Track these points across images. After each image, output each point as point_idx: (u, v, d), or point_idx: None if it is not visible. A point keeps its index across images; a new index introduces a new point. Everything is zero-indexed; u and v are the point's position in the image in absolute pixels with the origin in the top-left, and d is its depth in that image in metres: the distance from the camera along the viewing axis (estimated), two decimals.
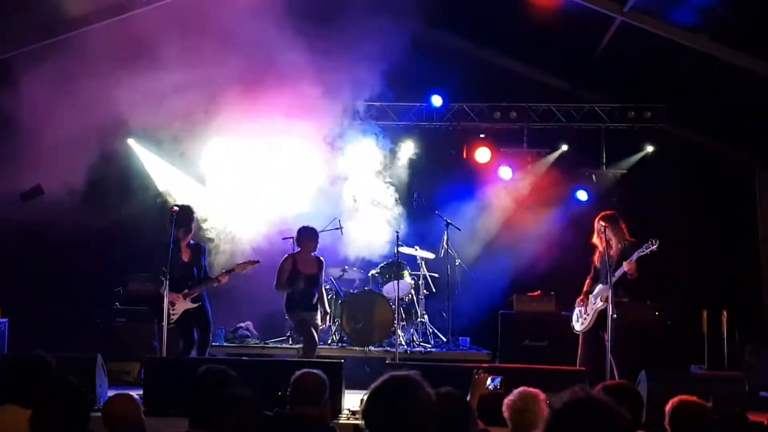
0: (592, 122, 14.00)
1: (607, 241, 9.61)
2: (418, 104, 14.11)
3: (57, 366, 5.70)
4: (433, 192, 13.77)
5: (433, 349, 12.38)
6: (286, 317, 11.22)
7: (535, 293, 12.56)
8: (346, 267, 12.77)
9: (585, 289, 10.02)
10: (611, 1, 11.47)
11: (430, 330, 12.86)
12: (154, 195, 13.19)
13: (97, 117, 11.46)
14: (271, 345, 12.55)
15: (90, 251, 12.73)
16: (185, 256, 10.09)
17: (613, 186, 14.01)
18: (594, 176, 14.05)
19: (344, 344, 12.29)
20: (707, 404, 5.21)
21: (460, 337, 12.99)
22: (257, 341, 12.74)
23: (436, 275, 13.19)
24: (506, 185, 14.05)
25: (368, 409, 3.35)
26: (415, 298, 12.90)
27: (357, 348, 12.14)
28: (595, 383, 5.59)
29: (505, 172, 13.96)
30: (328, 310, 11.11)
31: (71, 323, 11.88)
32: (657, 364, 9.89)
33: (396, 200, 13.57)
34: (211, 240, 12.45)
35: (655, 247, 9.11)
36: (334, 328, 12.49)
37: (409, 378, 3.36)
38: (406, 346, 12.12)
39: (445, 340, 12.74)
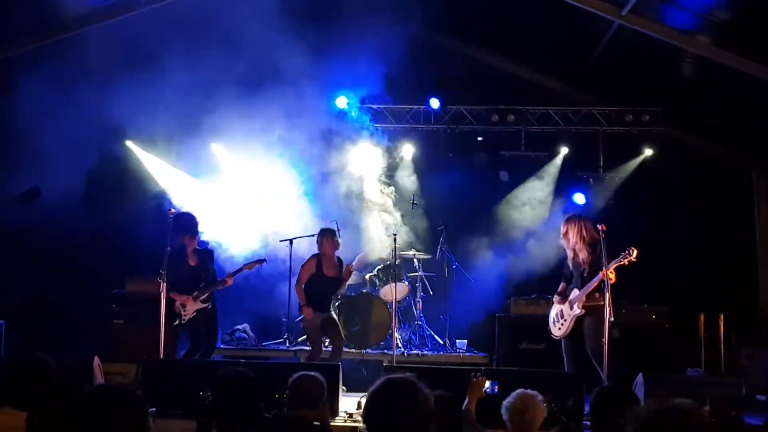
0: (590, 125, 14.01)
1: (577, 243, 9.64)
2: (416, 107, 14.13)
3: (56, 368, 5.69)
4: (430, 195, 13.79)
5: (430, 352, 12.37)
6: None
7: (532, 296, 12.56)
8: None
9: (560, 290, 10.00)
10: (609, 4, 11.48)
11: (427, 333, 12.85)
12: (151, 197, 13.19)
13: (95, 118, 11.47)
14: (268, 347, 12.53)
15: (88, 253, 12.70)
16: (192, 261, 10.25)
17: (611, 189, 14.01)
18: (591, 179, 14.05)
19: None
20: (705, 407, 5.21)
21: (457, 340, 12.97)
22: (254, 344, 12.72)
23: (434, 277, 13.18)
24: (503, 188, 14.06)
25: (368, 412, 3.36)
26: (412, 300, 12.90)
27: (354, 350, 12.12)
28: (589, 388, 5.61)
29: (503, 175, 14.01)
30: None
31: (68, 325, 11.87)
32: (654, 367, 9.90)
33: (393, 203, 13.58)
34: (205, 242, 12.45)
35: (632, 257, 9.08)
36: None
37: (408, 380, 3.39)
38: (403, 349, 12.12)
39: (442, 342, 12.73)
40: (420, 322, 12.86)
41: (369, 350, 12.17)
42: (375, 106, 13.93)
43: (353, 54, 11.64)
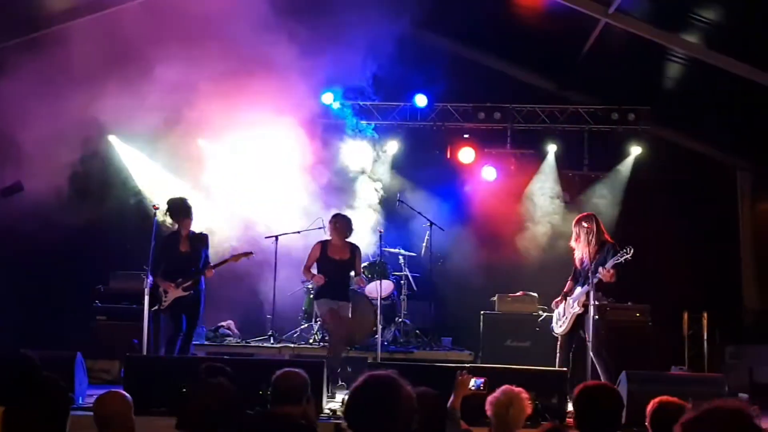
0: (575, 124, 14.04)
1: (587, 244, 9.66)
2: (402, 104, 14.12)
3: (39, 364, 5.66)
4: (416, 192, 13.79)
5: (415, 349, 12.36)
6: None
7: (518, 294, 12.58)
8: None
9: (565, 290, 10.03)
10: (596, 3, 11.51)
11: (413, 330, 12.84)
12: (134, 192, 13.13)
13: (78, 113, 11.40)
14: (252, 344, 12.49)
15: (70, 248, 12.64)
16: (184, 247, 10.13)
17: (596, 187, 14.03)
18: (577, 177, 14.09)
19: (326, 344, 12.23)
20: (687, 405, 5.22)
21: (442, 338, 12.98)
22: (238, 340, 12.68)
23: (419, 275, 13.18)
24: (489, 185, 14.06)
25: (350, 409, 3.36)
26: (397, 298, 12.89)
27: None
28: (576, 385, 5.61)
29: (488, 172, 13.99)
30: None
31: (51, 321, 11.81)
32: (637, 366, 9.93)
33: (379, 200, 13.57)
34: None
35: (629, 255, 9.12)
36: (316, 328, 12.46)
37: (389, 377, 3.37)
38: (388, 346, 12.10)
39: (427, 340, 12.72)
40: (405, 320, 12.84)
41: (354, 347, 12.14)
42: (361, 103, 13.92)
43: (340, 50, 11.61)
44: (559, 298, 9.96)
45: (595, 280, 9.38)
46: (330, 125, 13.83)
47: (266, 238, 12.50)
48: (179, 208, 10.14)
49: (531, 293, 12.49)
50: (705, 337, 12.44)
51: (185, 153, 12.63)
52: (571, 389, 6.20)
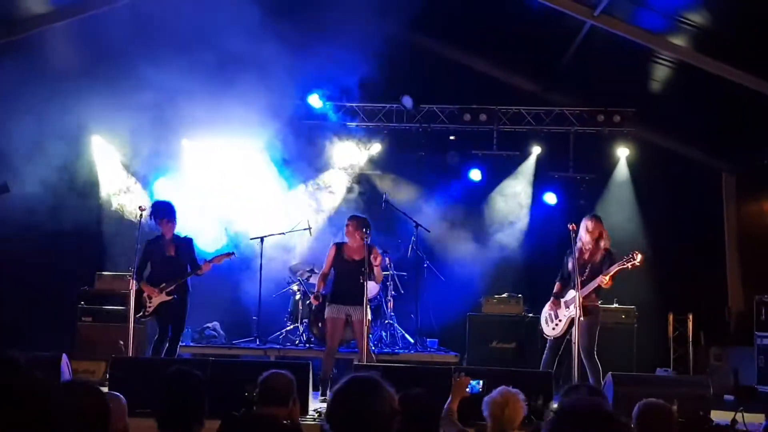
0: (561, 125, 14.07)
1: (591, 246, 9.66)
2: (388, 105, 14.11)
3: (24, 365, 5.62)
4: (402, 193, 13.79)
5: (401, 351, 12.36)
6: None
7: (503, 295, 12.59)
8: (314, 268, 12.68)
9: (555, 291, 10.01)
10: (581, 5, 11.53)
11: (398, 332, 12.84)
12: (117, 194, 13.08)
13: (61, 115, 11.38)
14: (238, 346, 12.47)
15: (55, 249, 12.58)
16: (170, 250, 10.15)
17: (581, 189, 14.06)
18: (562, 179, 14.11)
19: (312, 345, 12.24)
20: (673, 407, 5.24)
21: (428, 339, 12.98)
22: (224, 342, 12.66)
23: (405, 276, 13.17)
24: (476, 187, 14.08)
25: (331, 411, 3.36)
26: (383, 299, 12.87)
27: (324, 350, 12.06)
28: (562, 386, 5.63)
29: (474, 174, 14.01)
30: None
31: (36, 322, 11.75)
32: (623, 367, 9.96)
33: (364, 201, 13.57)
34: None
35: (636, 261, 9.16)
36: (301, 329, 12.46)
37: (371, 379, 3.38)
38: (374, 348, 12.08)
39: (413, 341, 12.72)
40: (391, 321, 12.84)
41: (340, 349, 12.11)
42: (347, 104, 13.91)
43: (326, 51, 11.60)
44: (553, 301, 9.93)
45: (594, 286, 9.39)
46: (315, 126, 13.83)
47: (251, 239, 12.49)
48: (164, 212, 10.14)
49: (516, 295, 12.52)
50: (690, 339, 12.49)
51: (169, 153, 12.59)
52: (557, 390, 6.23)
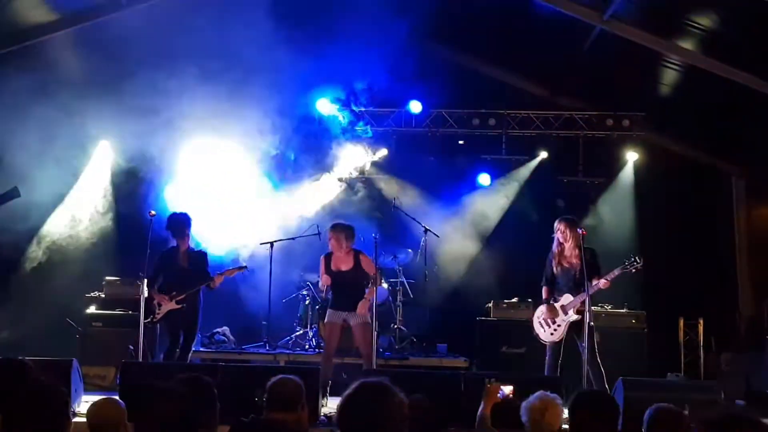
0: (570, 130, 14.04)
1: (575, 249, 9.65)
2: (397, 110, 14.11)
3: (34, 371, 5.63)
4: (411, 198, 13.78)
5: (410, 356, 12.34)
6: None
7: (513, 300, 12.57)
8: None
9: (545, 297, 9.97)
10: (591, 9, 11.52)
11: (408, 337, 12.82)
12: (133, 198, 13.07)
13: (69, 121, 11.42)
14: (247, 351, 12.47)
15: (66, 254, 12.62)
16: (183, 262, 10.21)
17: (590, 193, 14.04)
18: (571, 183, 14.09)
19: (321, 350, 12.20)
20: (684, 412, 5.23)
21: (438, 344, 12.95)
22: (234, 347, 12.66)
23: (414, 281, 13.16)
24: (485, 192, 14.07)
25: (342, 416, 3.35)
26: (392, 304, 12.86)
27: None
28: (570, 391, 5.62)
29: (483, 179, 14.00)
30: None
31: (47, 327, 11.77)
32: (633, 372, 9.92)
33: (374, 206, 13.56)
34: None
35: (640, 265, 9.16)
36: (311, 334, 12.45)
37: (381, 384, 3.37)
38: (383, 353, 12.07)
39: (422, 346, 12.70)
40: (400, 326, 12.82)
41: (349, 354, 12.10)
42: (356, 109, 13.91)
43: (336, 55, 11.61)
44: (547, 306, 9.89)
45: (596, 288, 9.38)
46: (325, 131, 13.83)
47: (261, 244, 12.49)
48: (180, 226, 10.20)
49: (526, 300, 12.48)
50: (701, 344, 12.44)
51: (177, 158, 12.58)
52: (565, 396, 6.21)
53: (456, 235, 13.75)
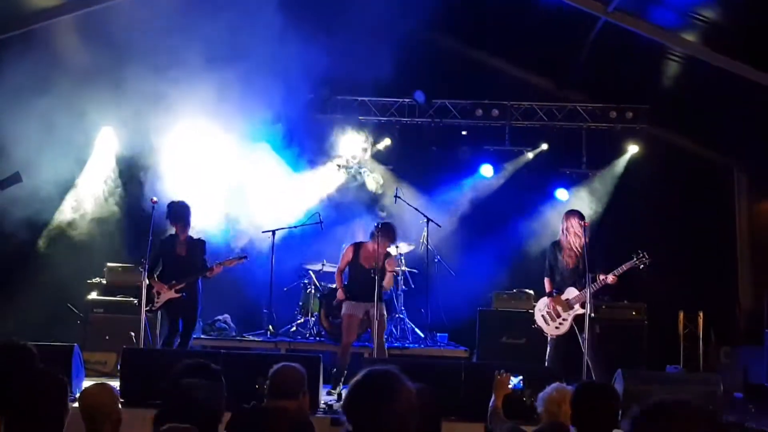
0: (574, 122, 14.02)
1: (579, 241, 9.65)
2: (400, 100, 14.09)
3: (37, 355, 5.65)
4: (413, 188, 13.78)
5: (411, 345, 12.37)
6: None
7: (513, 291, 12.58)
8: (325, 261, 12.69)
9: (548, 290, 9.98)
10: (595, 1, 11.49)
11: (408, 326, 12.84)
12: (135, 185, 13.07)
13: (72, 106, 11.40)
14: (248, 338, 12.50)
15: (68, 240, 12.63)
16: (182, 250, 10.23)
17: (593, 186, 14.03)
18: (574, 175, 14.08)
19: (322, 339, 12.24)
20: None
21: (438, 334, 12.97)
22: (235, 334, 12.68)
23: (415, 271, 13.17)
24: (487, 182, 14.07)
25: (349, 404, 3.32)
26: (393, 294, 12.87)
27: (334, 345, 12.07)
28: (571, 383, 5.64)
29: (486, 170, 14.00)
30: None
31: (48, 313, 11.79)
32: (633, 364, 9.94)
33: (376, 196, 13.56)
34: None
35: (648, 261, 9.19)
36: (312, 323, 12.47)
37: (390, 372, 3.35)
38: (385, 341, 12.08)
39: (422, 336, 12.72)
40: (401, 315, 12.84)
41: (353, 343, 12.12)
42: (359, 98, 13.90)
43: (340, 45, 11.58)
44: (552, 299, 9.90)
45: (603, 283, 9.39)
46: (327, 120, 13.82)
47: (263, 232, 12.51)
48: (179, 214, 10.20)
49: (527, 290, 12.49)
50: (700, 337, 12.45)
51: (178, 144, 12.54)
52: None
53: (457, 225, 13.76)
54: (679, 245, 13.29)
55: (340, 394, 9.37)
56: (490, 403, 5.99)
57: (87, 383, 8.63)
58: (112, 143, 13.15)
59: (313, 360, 8.65)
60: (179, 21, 11.08)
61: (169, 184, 12.36)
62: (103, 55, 11.53)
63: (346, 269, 10.62)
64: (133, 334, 10.54)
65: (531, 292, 12.42)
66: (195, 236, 10.48)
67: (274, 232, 12.41)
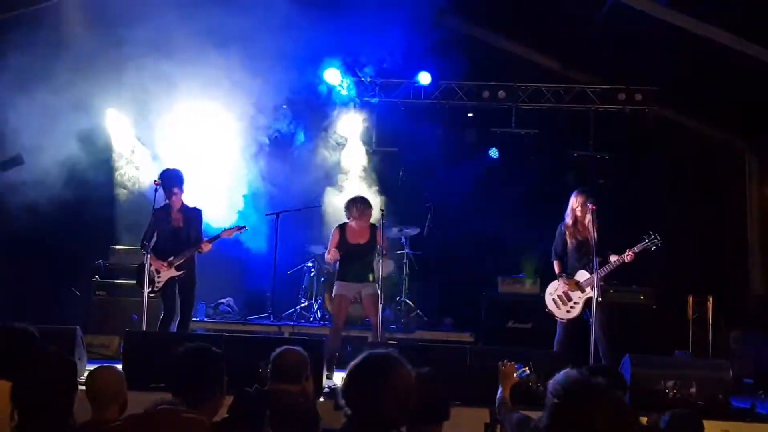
0: (581, 104, 13.89)
1: (591, 223, 9.52)
2: (405, 81, 13.96)
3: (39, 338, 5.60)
4: (418, 171, 13.68)
5: (416, 330, 12.30)
6: None
7: (519, 275, 12.50)
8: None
9: (558, 271, 9.86)
10: None
11: (414, 310, 12.77)
12: (132, 167, 12.98)
13: (76, 87, 11.31)
14: (252, 322, 12.45)
15: (70, 222, 12.55)
16: (177, 222, 9.87)
17: (602, 168, 13.90)
18: (582, 158, 13.95)
19: (326, 323, 12.18)
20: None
21: (443, 318, 12.92)
22: (238, 318, 12.64)
23: (420, 254, 13.08)
24: (493, 165, 13.95)
25: (348, 387, 3.32)
26: (398, 277, 12.79)
27: None
28: (579, 367, 5.53)
29: (492, 152, 13.89)
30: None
31: (50, 296, 11.75)
32: (641, 349, 9.84)
33: (381, 178, 13.47)
34: None
35: (660, 242, 9.11)
36: (316, 306, 12.42)
37: (389, 356, 3.34)
38: (388, 326, 12.02)
39: (427, 320, 12.66)
40: (406, 300, 12.77)
41: (354, 327, 12.05)
42: (364, 79, 13.78)
43: (345, 24, 11.47)
44: (564, 281, 9.76)
45: (617, 264, 9.29)
46: (332, 101, 13.70)
47: (267, 215, 12.44)
48: (173, 180, 9.84)
49: (533, 274, 12.41)
50: (710, 322, 12.35)
51: (182, 125, 12.45)
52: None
53: (463, 208, 13.65)
54: (688, 229, 13.17)
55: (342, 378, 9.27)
56: (498, 395, 5.90)
57: (90, 366, 8.65)
58: (116, 124, 13.02)
59: (317, 343, 8.56)
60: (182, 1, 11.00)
61: (172, 166, 12.27)
62: (107, 34, 11.43)
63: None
64: (136, 317, 10.44)
65: (537, 276, 12.33)
66: (191, 206, 10.08)
67: (277, 214, 12.33)
